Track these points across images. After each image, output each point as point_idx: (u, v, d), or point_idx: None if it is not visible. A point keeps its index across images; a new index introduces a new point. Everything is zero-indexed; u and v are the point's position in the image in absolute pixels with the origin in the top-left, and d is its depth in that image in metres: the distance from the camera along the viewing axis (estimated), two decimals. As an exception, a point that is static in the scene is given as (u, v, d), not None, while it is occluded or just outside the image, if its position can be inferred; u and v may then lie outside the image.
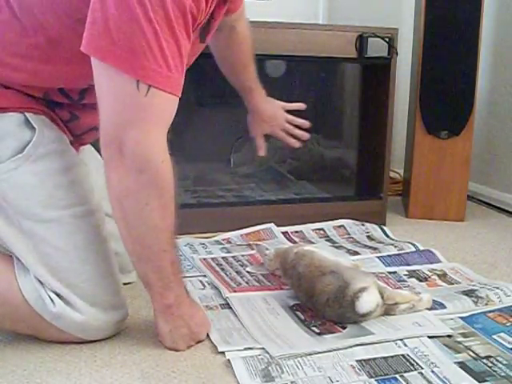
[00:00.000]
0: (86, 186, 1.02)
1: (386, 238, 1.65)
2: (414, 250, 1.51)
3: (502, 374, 0.91)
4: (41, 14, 0.92)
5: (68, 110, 1.03)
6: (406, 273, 1.34)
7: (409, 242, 1.56)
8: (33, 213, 0.95)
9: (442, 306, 1.13)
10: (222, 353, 0.97)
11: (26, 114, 0.96)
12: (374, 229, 1.70)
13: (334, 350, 0.97)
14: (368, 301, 1.03)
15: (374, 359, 0.95)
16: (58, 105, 1.02)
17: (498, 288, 1.21)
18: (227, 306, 1.15)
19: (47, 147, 0.97)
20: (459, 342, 1.01)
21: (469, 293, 1.19)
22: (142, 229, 0.91)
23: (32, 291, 0.95)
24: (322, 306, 1.07)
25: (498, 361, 0.95)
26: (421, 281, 1.30)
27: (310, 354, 0.96)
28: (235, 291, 1.21)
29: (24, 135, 0.95)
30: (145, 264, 0.95)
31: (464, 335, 1.04)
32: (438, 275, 1.34)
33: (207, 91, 1.99)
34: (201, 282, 1.28)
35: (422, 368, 0.92)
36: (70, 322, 0.96)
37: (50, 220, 0.96)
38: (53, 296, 0.95)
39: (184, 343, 0.99)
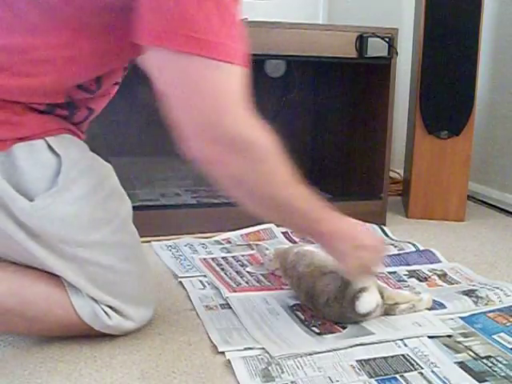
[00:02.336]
0: (117, 192, 1.02)
1: (386, 237, 1.65)
2: (413, 249, 1.51)
3: (502, 374, 0.91)
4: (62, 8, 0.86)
5: (85, 106, 1.01)
6: (406, 273, 1.34)
7: (409, 242, 1.57)
8: (75, 240, 0.94)
9: (442, 306, 1.13)
10: (222, 353, 0.97)
11: (47, 138, 0.93)
12: (373, 229, 1.70)
13: (334, 349, 0.97)
14: (368, 301, 1.03)
15: (374, 359, 0.95)
16: (77, 107, 0.99)
17: (498, 288, 1.21)
18: (227, 306, 1.15)
19: (76, 169, 0.94)
20: (459, 342, 1.01)
21: (469, 293, 1.19)
22: (274, 193, 0.91)
23: (85, 308, 0.96)
24: (322, 306, 1.07)
25: (498, 361, 0.95)
26: (421, 281, 1.30)
27: (310, 354, 0.96)
28: (235, 291, 1.21)
29: (51, 163, 0.92)
30: (289, 217, 0.96)
31: (464, 335, 1.04)
32: (438, 275, 1.34)
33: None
34: (201, 282, 1.28)
35: (422, 368, 0.92)
36: (122, 329, 1.00)
37: (93, 243, 0.95)
38: (107, 310, 0.97)
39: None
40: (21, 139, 0.90)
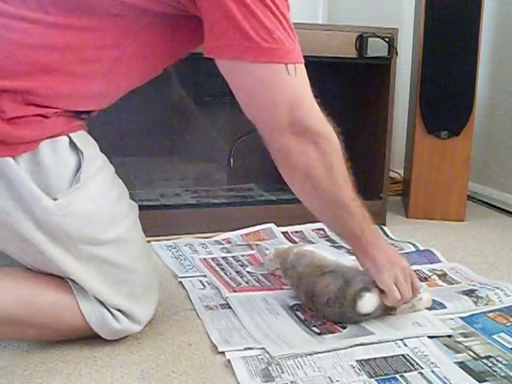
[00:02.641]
0: (125, 190, 1.03)
1: (386, 238, 1.65)
2: (413, 250, 1.51)
3: (502, 374, 0.91)
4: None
5: None
6: (406, 273, 1.34)
7: (409, 242, 1.57)
8: (92, 238, 0.94)
9: (442, 306, 1.13)
10: (222, 353, 0.97)
11: (70, 134, 0.94)
12: (373, 229, 1.70)
13: (334, 349, 0.97)
14: (369, 301, 1.03)
15: (374, 359, 0.95)
16: (93, 110, 1.01)
17: (498, 288, 1.21)
18: (227, 306, 1.15)
19: (94, 166, 0.96)
20: (459, 342, 1.01)
21: (469, 293, 1.19)
22: (335, 191, 0.97)
23: (93, 313, 0.96)
24: (322, 306, 1.07)
25: (498, 361, 0.95)
26: (421, 281, 1.30)
27: (310, 354, 0.96)
28: (235, 291, 1.21)
29: (72, 159, 0.93)
30: (342, 217, 1.00)
31: (464, 335, 1.04)
32: (438, 275, 1.34)
33: (207, 91, 1.99)
34: (201, 282, 1.28)
35: (422, 368, 0.92)
36: (129, 333, 1.00)
37: (109, 241, 0.96)
38: (116, 313, 0.97)
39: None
40: (48, 137, 0.92)
